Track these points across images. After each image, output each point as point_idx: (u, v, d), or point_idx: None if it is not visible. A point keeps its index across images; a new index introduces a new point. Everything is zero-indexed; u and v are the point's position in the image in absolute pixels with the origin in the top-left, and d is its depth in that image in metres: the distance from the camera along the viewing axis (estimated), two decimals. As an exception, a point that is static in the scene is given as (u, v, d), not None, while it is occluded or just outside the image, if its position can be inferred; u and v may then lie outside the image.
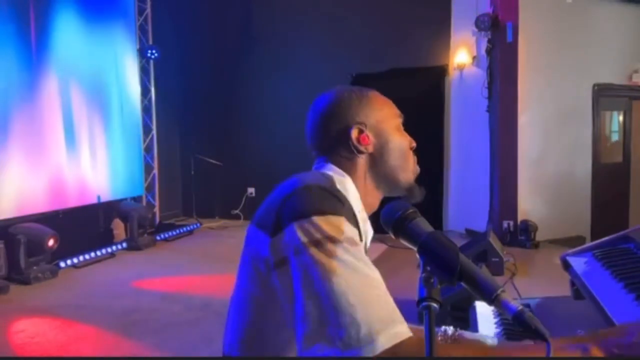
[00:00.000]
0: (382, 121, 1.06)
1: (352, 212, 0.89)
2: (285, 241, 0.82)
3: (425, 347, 0.67)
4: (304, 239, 0.80)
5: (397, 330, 0.76)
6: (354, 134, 1.02)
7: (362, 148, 1.03)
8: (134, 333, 3.72)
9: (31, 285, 4.89)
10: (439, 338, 1.11)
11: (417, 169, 1.09)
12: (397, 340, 0.75)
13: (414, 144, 1.09)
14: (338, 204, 0.86)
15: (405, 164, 1.06)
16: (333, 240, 0.80)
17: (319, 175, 0.96)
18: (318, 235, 0.80)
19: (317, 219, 0.81)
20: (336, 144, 1.04)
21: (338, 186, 0.93)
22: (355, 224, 0.88)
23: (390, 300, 0.81)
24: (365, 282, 0.79)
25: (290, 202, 0.85)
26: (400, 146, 1.06)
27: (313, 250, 0.79)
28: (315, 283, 0.77)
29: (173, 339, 3.63)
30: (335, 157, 1.04)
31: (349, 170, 1.02)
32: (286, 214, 0.84)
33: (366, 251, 0.99)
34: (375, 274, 0.82)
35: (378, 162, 1.04)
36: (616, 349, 0.78)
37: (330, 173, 1.00)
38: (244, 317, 0.92)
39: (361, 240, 0.91)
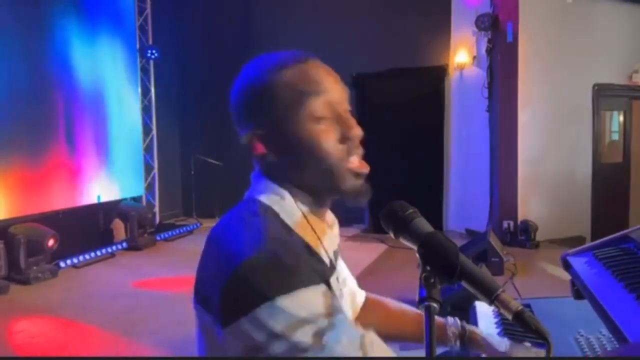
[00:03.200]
0: (287, 118, 0.81)
1: (304, 250, 0.78)
2: (246, 333, 0.70)
3: (425, 347, 0.67)
4: (251, 342, 0.70)
5: None
6: (247, 140, 0.85)
7: (260, 157, 0.85)
8: (134, 333, 3.72)
9: (31, 285, 4.88)
10: (450, 332, 1.08)
11: (358, 166, 0.84)
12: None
13: (351, 134, 0.83)
14: (287, 274, 0.71)
15: (331, 170, 0.82)
16: (301, 324, 0.69)
17: (254, 223, 0.78)
18: (285, 324, 0.69)
19: (275, 303, 0.69)
20: (247, 145, 0.86)
21: (276, 221, 0.79)
22: (315, 257, 0.79)
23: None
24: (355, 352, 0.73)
25: (232, 292, 0.71)
26: (310, 145, 0.81)
27: (279, 344, 0.69)
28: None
29: (173, 339, 3.62)
30: (258, 162, 0.88)
31: (278, 179, 0.85)
32: (231, 308, 0.71)
33: (336, 257, 0.92)
34: (359, 337, 0.75)
35: (295, 173, 0.83)
36: None
37: (264, 199, 0.83)
38: None
39: (328, 270, 0.82)
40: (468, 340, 1.08)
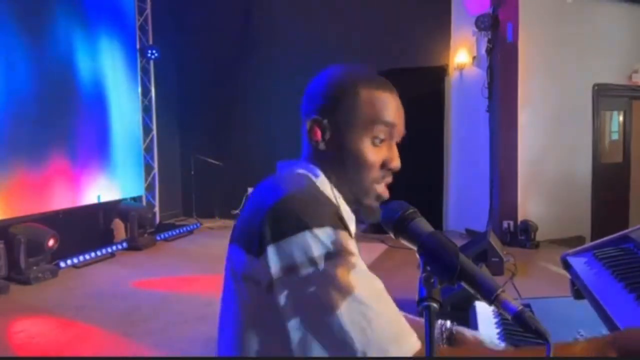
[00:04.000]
0: (352, 124, 0.91)
1: (338, 213, 0.84)
2: (274, 262, 0.77)
3: (425, 347, 0.67)
4: (289, 261, 0.76)
5: (408, 345, 0.76)
6: (309, 123, 0.93)
7: (313, 142, 0.93)
8: (134, 333, 3.72)
9: (31, 285, 4.88)
10: (436, 333, 1.09)
11: (378, 190, 0.93)
12: (410, 355, 0.76)
13: (393, 163, 0.94)
14: (324, 211, 0.80)
15: (357, 178, 0.92)
16: (326, 257, 0.76)
17: (296, 179, 0.88)
18: (311, 254, 0.76)
19: (305, 235, 0.77)
20: (308, 127, 0.94)
21: (317, 187, 0.88)
22: (343, 225, 0.83)
23: (396, 311, 0.80)
24: (372, 297, 0.77)
25: (274, 217, 0.79)
26: (360, 158, 0.91)
27: (305, 271, 0.76)
28: (320, 306, 0.75)
29: (173, 339, 3.62)
30: (310, 145, 0.96)
31: (318, 163, 0.94)
32: (272, 231, 0.78)
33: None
34: (378, 283, 0.80)
35: (332, 165, 0.92)
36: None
37: (303, 172, 0.92)
38: (235, 332, 0.86)
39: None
40: (456, 340, 1.08)
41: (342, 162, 0.91)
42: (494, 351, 1.00)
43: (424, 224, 0.80)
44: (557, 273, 4.62)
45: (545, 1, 6.45)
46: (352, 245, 0.80)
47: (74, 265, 5.57)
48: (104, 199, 6.46)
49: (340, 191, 0.92)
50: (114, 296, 4.62)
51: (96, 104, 6.41)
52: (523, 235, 6.26)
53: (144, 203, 7.50)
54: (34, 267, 5.04)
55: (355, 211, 0.95)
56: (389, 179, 0.95)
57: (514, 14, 6.27)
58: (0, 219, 4.96)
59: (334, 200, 0.89)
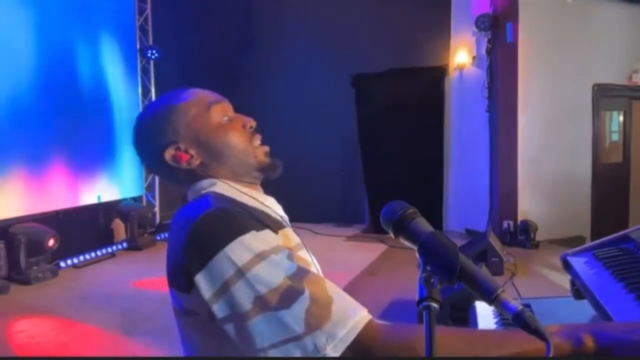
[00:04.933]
0: (197, 129, 0.97)
1: (250, 213, 0.88)
2: (205, 289, 0.79)
3: (425, 347, 0.67)
4: (218, 281, 0.78)
5: (354, 322, 0.78)
6: (169, 155, 0.96)
7: (185, 166, 0.97)
8: (134, 333, 3.72)
9: (31, 285, 4.88)
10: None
11: (262, 149, 1.02)
12: (356, 332, 0.77)
13: (249, 123, 1.02)
14: (235, 222, 0.83)
15: (241, 154, 0.99)
16: (252, 262, 0.78)
17: (199, 202, 0.91)
18: (246, 259, 0.78)
19: (224, 252, 0.79)
20: (165, 170, 0.98)
21: (221, 194, 0.93)
22: (259, 224, 0.86)
23: (333, 287, 0.82)
24: (305, 283, 0.79)
25: (191, 248, 0.81)
26: (228, 142, 0.98)
27: (235, 285, 0.77)
28: (260, 307, 0.77)
29: (173, 339, 3.62)
30: (184, 183, 1.00)
31: (205, 175, 0.99)
32: (193, 262, 0.80)
33: (284, 225, 1.00)
34: (309, 268, 0.83)
35: (216, 168, 0.98)
36: (613, 344, 0.77)
37: (204, 189, 0.96)
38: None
39: (276, 232, 0.90)
40: None
41: (220, 155, 0.97)
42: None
43: (424, 224, 0.80)
44: (557, 273, 4.63)
45: (545, 1, 6.45)
46: (275, 239, 0.84)
47: (74, 265, 5.57)
48: (104, 199, 6.46)
49: (239, 179, 0.99)
50: (114, 296, 4.62)
51: (96, 104, 6.41)
52: (523, 235, 6.26)
53: (144, 203, 7.50)
54: (34, 267, 5.04)
55: (262, 179, 1.03)
56: (258, 135, 1.02)
57: (514, 14, 6.28)
58: (0, 219, 4.96)
59: (239, 198, 0.95)
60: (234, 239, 0.79)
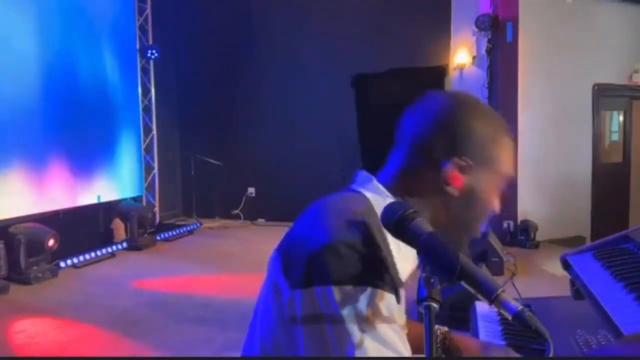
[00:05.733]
0: (492, 175, 0.90)
1: (377, 268, 0.80)
2: (313, 302, 0.78)
3: (425, 347, 0.67)
4: (333, 309, 0.76)
5: None
6: (450, 168, 0.87)
7: (444, 187, 0.88)
8: (134, 333, 3.72)
9: (31, 285, 4.88)
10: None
11: (479, 233, 0.95)
12: None
13: (497, 209, 0.94)
14: (359, 268, 0.78)
15: (476, 223, 0.92)
16: (356, 318, 0.76)
17: (348, 219, 0.83)
18: (347, 310, 0.75)
19: (329, 289, 0.76)
20: (422, 162, 0.89)
21: (371, 216, 0.84)
22: (375, 281, 0.80)
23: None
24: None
25: (317, 262, 0.79)
26: (485, 208, 0.92)
27: (326, 324, 0.76)
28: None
29: (173, 339, 3.62)
30: (412, 175, 0.91)
31: (410, 194, 0.90)
32: (312, 272, 0.78)
33: (402, 283, 0.92)
34: (401, 348, 0.79)
35: (451, 210, 0.90)
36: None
37: (369, 197, 0.89)
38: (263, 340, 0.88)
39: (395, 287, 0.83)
40: (451, 343, 1.10)
41: (467, 209, 0.90)
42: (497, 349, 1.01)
43: (424, 224, 0.80)
44: (557, 273, 4.62)
45: (545, 1, 6.45)
46: (376, 303, 0.77)
47: (74, 265, 5.57)
48: (104, 199, 6.46)
49: (444, 230, 0.87)
50: (114, 296, 4.62)
51: (96, 104, 6.41)
52: (523, 235, 6.26)
53: (144, 203, 7.50)
54: (34, 267, 5.04)
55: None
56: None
57: (514, 14, 6.27)
58: (0, 219, 4.96)
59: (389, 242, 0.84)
60: (342, 284, 0.76)
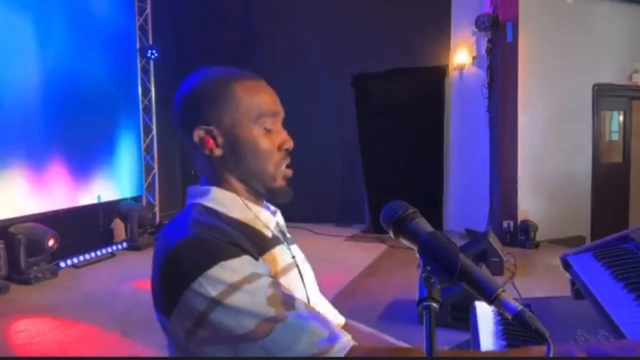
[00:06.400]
0: (239, 122, 0.94)
1: (227, 238, 0.85)
2: (182, 320, 0.80)
3: (425, 348, 0.67)
4: (193, 314, 0.79)
5: (340, 344, 0.79)
6: (197, 135, 0.94)
7: (206, 152, 0.94)
8: (134, 333, 3.72)
9: (31, 285, 4.88)
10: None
11: (285, 172, 0.99)
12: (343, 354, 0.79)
13: (287, 144, 0.99)
14: (208, 250, 0.81)
15: (262, 167, 0.96)
16: (226, 292, 0.78)
17: (180, 224, 0.88)
18: (218, 290, 0.78)
19: (206, 275, 0.79)
20: (189, 143, 0.96)
21: (204, 211, 0.91)
22: (234, 247, 0.84)
23: (317, 313, 0.83)
24: (288, 308, 0.80)
25: (166, 281, 0.83)
26: (257, 150, 0.95)
27: (212, 315, 0.78)
28: (240, 338, 0.78)
29: (173, 339, 3.62)
30: (198, 164, 0.99)
31: (213, 177, 0.97)
32: (168, 294, 0.82)
33: (285, 239, 1.01)
34: (290, 293, 0.83)
35: (232, 166, 0.95)
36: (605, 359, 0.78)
37: (194, 201, 0.95)
38: None
39: (261, 249, 0.90)
40: None
41: (241, 159, 0.95)
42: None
43: (424, 224, 0.80)
44: (557, 273, 4.62)
45: (545, 1, 6.45)
46: (250, 267, 0.82)
47: (74, 265, 5.57)
48: (104, 199, 6.46)
49: (247, 186, 0.96)
50: (114, 296, 4.62)
51: (96, 104, 6.40)
52: (523, 235, 6.26)
53: (144, 203, 7.50)
54: (34, 267, 5.04)
55: (267, 198, 1.00)
56: (288, 160, 1.00)
57: (514, 14, 6.27)
58: (0, 219, 4.96)
59: (229, 209, 0.93)
60: (202, 273, 0.78)
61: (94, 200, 6.31)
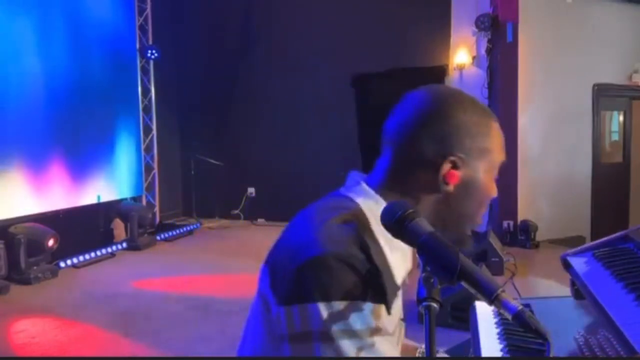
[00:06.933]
0: (484, 165, 0.88)
1: (365, 280, 0.77)
2: (300, 320, 0.76)
3: (425, 348, 0.67)
4: (322, 327, 0.74)
5: None
6: (446, 167, 0.85)
7: (443, 185, 0.86)
8: (134, 333, 3.73)
9: (31, 285, 4.88)
10: (419, 354, 1.09)
11: (480, 220, 0.92)
12: None
13: (495, 195, 0.92)
14: (357, 281, 0.76)
15: (475, 215, 0.91)
16: (347, 335, 0.74)
17: (337, 228, 0.81)
18: (335, 327, 0.74)
19: (334, 305, 0.74)
20: (418, 160, 0.86)
21: (363, 227, 0.82)
22: (365, 294, 0.77)
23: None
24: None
25: (305, 277, 0.77)
26: (483, 198, 0.90)
27: (315, 342, 0.74)
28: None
29: (173, 339, 3.62)
30: (403, 174, 0.88)
31: (409, 195, 0.87)
32: (300, 288, 0.77)
33: (402, 285, 0.91)
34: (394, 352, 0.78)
35: (449, 204, 0.88)
36: None
37: (359, 203, 0.86)
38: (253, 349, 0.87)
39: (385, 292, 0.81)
40: None
41: (465, 202, 0.88)
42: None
43: (423, 224, 0.80)
44: (557, 273, 4.63)
45: (545, 1, 6.45)
46: (369, 317, 0.76)
47: (74, 265, 5.57)
48: (104, 199, 6.46)
49: (442, 225, 0.87)
50: (114, 296, 4.62)
51: (96, 104, 6.40)
52: (523, 235, 6.26)
53: (144, 203, 7.50)
54: (34, 267, 5.04)
55: (455, 242, 0.84)
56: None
57: (514, 14, 6.27)
58: (0, 219, 4.96)
59: (381, 236, 0.83)
60: (339, 300, 0.74)
61: (94, 200, 6.31)
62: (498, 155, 0.91)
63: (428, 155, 0.86)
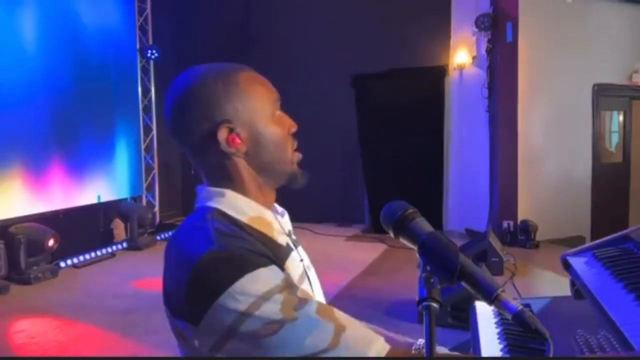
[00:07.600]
0: (255, 114, 0.91)
1: (250, 248, 0.82)
2: (217, 322, 0.76)
3: (425, 348, 0.67)
4: (238, 313, 0.75)
5: (377, 347, 0.79)
6: (222, 135, 0.89)
7: (232, 150, 0.90)
8: (134, 333, 3.73)
9: (31, 285, 4.89)
10: (413, 351, 1.09)
11: (297, 156, 0.96)
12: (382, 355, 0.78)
13: (294, 128, 0.97)
14: (235, 262, 0.78)
15: (282, 155, 0.94)
16: (262, 300, 0.76)
17: (200, 232, 0.84)
18: (247, 303, 0.75)
19: (234, 288, 0.75)
20: (202, 145, 0.91)
21: (223, 218, 0.86)
22: (258, 256, 0.81)
23: (353, 320, 0.82)
24: (325, 316, 0.78)
25: (197, 285, 0.78)
26: (276, 138, 0.93)
27: (243, 327, 0.75)
28: (274, 347, 0.76)
29: (173, 339, 3.62)
30: (207, 166, 0.93)
31: (225, 177, 0.92)
32: (196, 305, 0.78)
33: (294, 243, 0.97)
34: (321, 301, 0.81)
35: (253, 160, 0.92)
36: None
37: (210, 204, 0.90)
38: None
39: (275, 254, 0.86)
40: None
41: (264, 151, 0.92)
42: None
43: (424, 224, 0.80)
44: (557, 273, 4.63)
45: (545, 1, 6.45)
46: (277, 277, 0.79)
47: (74, 265, 5.57)
48: (104, 199, 6.46)
49: (267, 178, 0.94)
50: (114, 296, 4.62)
51: (96, 104, 6.41)
52: (523, 235, 6.26)
53: (144, 203, 7.50)
54: (34, 267, 5.04)
55: (288, 184, 0.97)
56: (296, 143, 0.98)
57: (514, 14, 6.28)
58: (0, 219, 4.96)
59: (246, 217, 0.89)
60: (230, 286, 0.76)
61: (94, 200, 6.31)
62: (263, 96, 0.93)
63: (205, 135, 0.90)
